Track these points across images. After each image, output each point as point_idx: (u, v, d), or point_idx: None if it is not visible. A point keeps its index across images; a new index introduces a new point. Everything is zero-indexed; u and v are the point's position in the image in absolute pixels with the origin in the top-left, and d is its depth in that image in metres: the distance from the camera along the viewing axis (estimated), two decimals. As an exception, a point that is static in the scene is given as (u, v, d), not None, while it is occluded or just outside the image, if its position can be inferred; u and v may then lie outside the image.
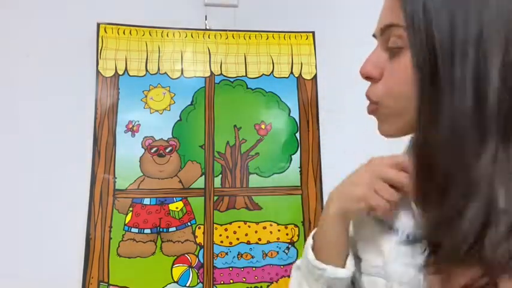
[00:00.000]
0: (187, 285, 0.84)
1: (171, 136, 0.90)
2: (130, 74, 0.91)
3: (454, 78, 0.45)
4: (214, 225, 0.87)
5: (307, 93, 0.95)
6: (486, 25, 0.45)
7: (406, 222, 0.53)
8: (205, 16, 0.96)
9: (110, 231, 0.84)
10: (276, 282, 0.86)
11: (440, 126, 0.45)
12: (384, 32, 0.51)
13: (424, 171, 0.50)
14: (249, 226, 0.88)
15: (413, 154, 0.49)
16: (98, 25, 0.91)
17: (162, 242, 0.85)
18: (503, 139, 0.45)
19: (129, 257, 0.83)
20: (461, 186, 0.44)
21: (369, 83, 0.53)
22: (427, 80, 0.47)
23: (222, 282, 0.85)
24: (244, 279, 0.86)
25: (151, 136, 0.90)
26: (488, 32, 0.45)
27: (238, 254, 0.86)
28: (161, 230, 0.85)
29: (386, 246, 0.53)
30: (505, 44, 0.47)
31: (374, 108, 0.52)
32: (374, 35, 0.56)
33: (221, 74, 0.94)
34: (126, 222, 0.85)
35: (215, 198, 0.88)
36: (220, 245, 0.86)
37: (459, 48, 0.45)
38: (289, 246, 0.88)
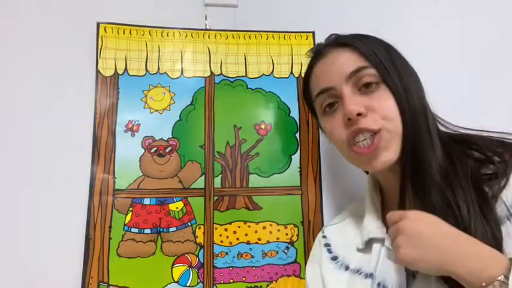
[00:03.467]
0: (187, 285, 0.84)
1: (171, 136, 0.90)
2: (130, 74, 0.91)
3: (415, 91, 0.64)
4: (214, 225, 0.87)
5: (307, 93, 0.95)
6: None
7: (382, 270, 0.59)
8: (205, 16, 0.96)
9: (110, 231, 0.84)
10: (276, 281, 0.86)
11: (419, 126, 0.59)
12: (352, 76, 0.62)
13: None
14: (249, 226, 0.88)
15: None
16: (98, 25, 0.91)
17: (162, 242, 0.85)
18: None
19: (129, 257, 0.83)
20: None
21: None
22: (404, 100, 0.60)
23: (222, 281, 0.85)
24: (244, 279, 0.86)
25: (151, 136, 0.90)
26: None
27: (238, 254, 0.87)
28: (161, 230, 0.85)
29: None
30: None
31: (377, 141, 0.60)
32: (324, 90, 0.65)
33: (221, 74, 0.94)
34: (126, 222, 0.85)
35: (215, 198, 0.88)
36: (220, 245, 0.86)
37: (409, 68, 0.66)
38: (289, 246, 0.88)
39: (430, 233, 0.48)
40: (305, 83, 0.75)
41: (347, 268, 0.67)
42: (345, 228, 0.73)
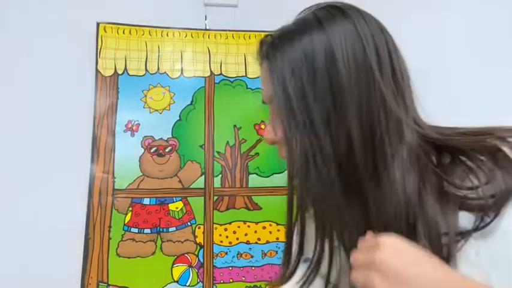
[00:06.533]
0: (187, 284, 0.84)
1: (170, 136, 0.90)
2: (130, 74, 0.91)
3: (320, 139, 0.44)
4: (214, 225, 0.87)
5: (307, 93, 0.95)
6: (336, 80, 0.44)
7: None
8: (205, 16, 0.96)
9: (109, 231, 0.84)
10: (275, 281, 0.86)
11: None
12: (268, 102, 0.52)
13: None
14: (249, 226, 0.88)
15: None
16: (98, 24, 0.91)
17: (162, 241, 0.85)
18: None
19: (128, 257, 0.83)
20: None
21: None
22: (299, 147, 0.45)
23: (221, 281, 0.85)
24: (243, 279, 0.86)
25: (151, 136, 0.90)
26: (340, 85, 0.44)
27: (237, 254, 0.87)
28: (161, 230, 0.85)
29: None
30: (359, 96, 0.46)
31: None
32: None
33: (221, 73, 0.94)
34: (126, 222, 0.85)
35: (215, 198, 0.88)
36: (220, 245, 0.86)
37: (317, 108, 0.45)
38: (289, 246, 0.88)
39: (413, 274, 0.36)
40: None
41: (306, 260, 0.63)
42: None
